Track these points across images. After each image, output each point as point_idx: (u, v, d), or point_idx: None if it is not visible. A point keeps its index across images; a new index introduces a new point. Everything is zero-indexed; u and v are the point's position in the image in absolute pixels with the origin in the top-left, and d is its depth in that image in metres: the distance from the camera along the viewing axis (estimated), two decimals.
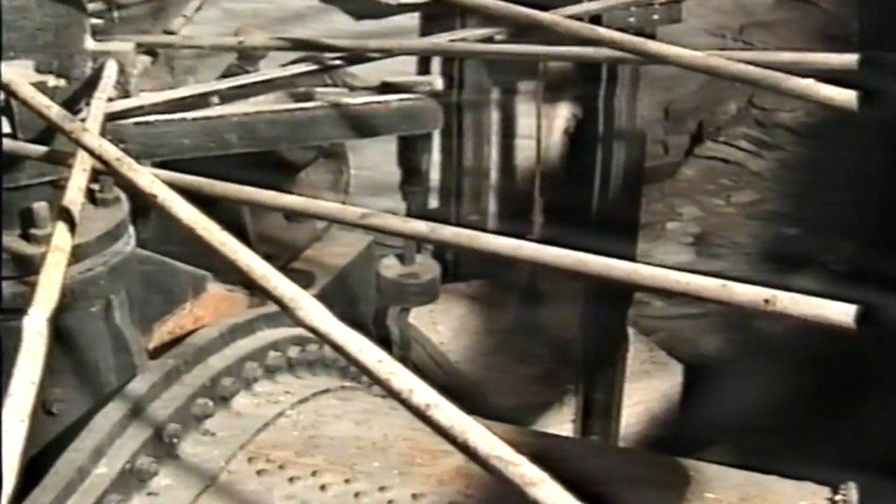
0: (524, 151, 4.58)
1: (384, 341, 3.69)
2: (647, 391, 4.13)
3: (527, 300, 4.30)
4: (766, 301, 1.11)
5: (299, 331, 2.09)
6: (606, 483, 1.47)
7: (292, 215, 2.74)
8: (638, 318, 4.48)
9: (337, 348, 1.09)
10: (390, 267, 3.03)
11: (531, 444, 1.31)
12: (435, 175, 4.45)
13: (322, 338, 1.11)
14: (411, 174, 2.76)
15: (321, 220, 2.64)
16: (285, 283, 1.18)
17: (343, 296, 2.83)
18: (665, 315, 4.62)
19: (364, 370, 1.06)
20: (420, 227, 1.37)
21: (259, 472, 1.68)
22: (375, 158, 3.75)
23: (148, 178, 1.44)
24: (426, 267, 3.08)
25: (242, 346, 1.93)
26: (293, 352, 2.01)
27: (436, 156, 4.38)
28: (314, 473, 1.68)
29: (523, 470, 0.93)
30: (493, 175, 4.63)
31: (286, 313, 1.17)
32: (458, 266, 4.60)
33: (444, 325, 4.24)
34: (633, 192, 3.76)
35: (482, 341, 4.19)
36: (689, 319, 4.60)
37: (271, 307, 2.17)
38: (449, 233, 1.34)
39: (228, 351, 1.91)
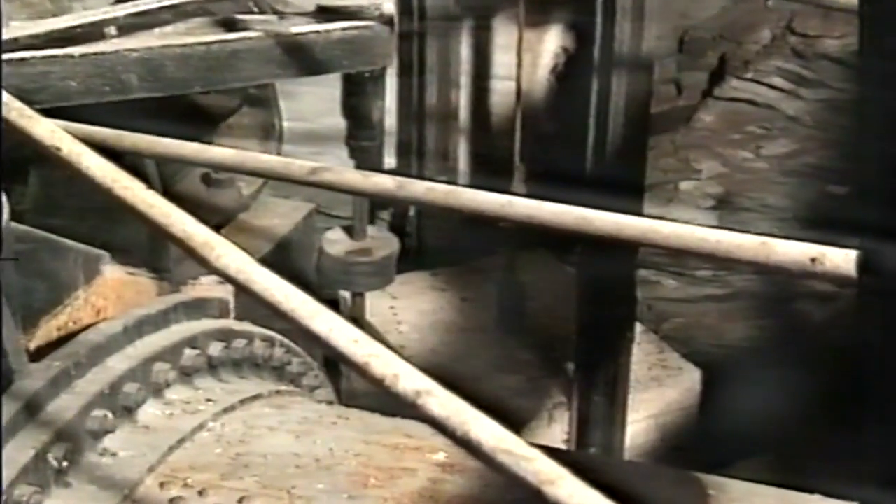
0: (502, 95, 4.57)
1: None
2: (657, 403, 4.14)
3: (509, 292, 4.30)
4: (814, 260, 1.14)
5: (223, 323, 2.13)
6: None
7: (223, 172, 2.73)
8: (648, 302, 4.50)
9: (302, 328, 1.10)
10: (336, 242, 3.03)
11: None
12: (390, 126, 4.43)
13: (283, 316, 1.11)
14: (360, 125, 2.77)
15: (259, 176, 2.65)
16: (233, 253, 1.18)
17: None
18: (681, 297, 4.64)
19: (337, 354, 1.08)
20: (385, 182, 1.38)
21: (173, 501, 1.68)
22: (314, 105, 3.74)
23: (48, 128, 1.44)
24: (381, 242, 3.08)
25: (151, 344, 1.94)
26: (215, 349, 2.02)
27: (390, 102, 4.36)
28: (242, 500, 1.68)
29: (538, 466, 0.95)
30: (464, 125, 4.62)
31: (237, 288, 1.17)
32: (421, 243, 4.60)
33: (407, 323, 4.24)
34: (637, 144, 3.76)
35: (453, 344, 4.19)
36: (711, 302, 4.61)
37: (189, 294, 2.18)
38: (421, 189, 1.35)
39: (132, 349, 1.91)
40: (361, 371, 1.07)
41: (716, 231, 1.20)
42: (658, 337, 4.40)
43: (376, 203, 4.21)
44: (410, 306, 4.30)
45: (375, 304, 3.92)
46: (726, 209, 4.63)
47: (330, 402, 2.19)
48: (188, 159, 1.58)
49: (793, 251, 1.15)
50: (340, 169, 1.43)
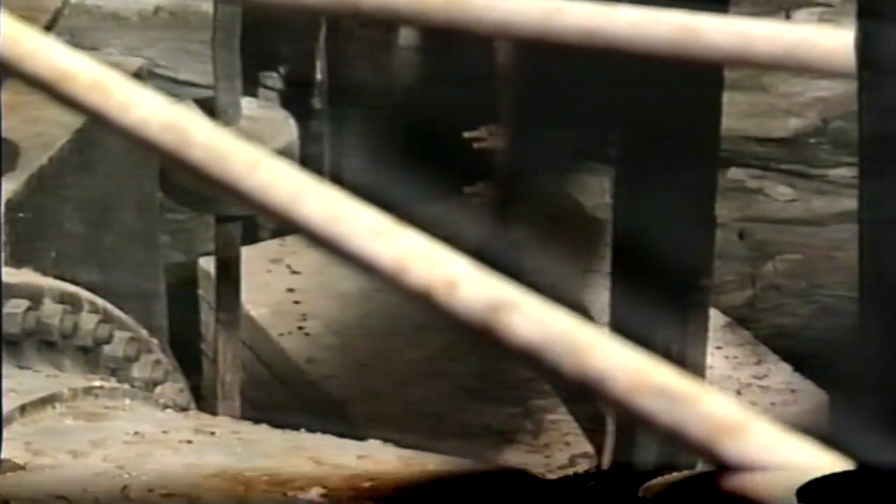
0: None
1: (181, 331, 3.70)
2: None
3: (491, 257, 4.31)
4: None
5: None
6: None
7: None
8: (739, 225, 4.51)
9: (280, 216, 1.13)
10: None
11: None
12: None
13: (246, 197, 1.14)
14: None
15: None
16: (150, 99, 1.23)
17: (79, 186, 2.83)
18: (799, 216, 4.66)
19: (346, 254, 1.10)
20: None
21: None
22: None
23: None
24: (267, 125, 3.12)
25: None
26: None
27: None
28: None
29: (710, 407, 0.99)
30: None
31: (164, 157, 1.17)
32: (339, 127, 4.56)
33: (317, 316, 4.19)
34: None
35: (398, 353, 4.23)
36: (852, 223, 4.63)
37: None
38: None
39: None
40: (391, 279, 1.07)
41: None
42: (751, 334, 4.40)
43: (250, 59, 4.19)
44: (322, 286, 4.25)
45: (264, 281, 3.94)
46: None
47: (183, 408, 2.23)
48: None
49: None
50: None
